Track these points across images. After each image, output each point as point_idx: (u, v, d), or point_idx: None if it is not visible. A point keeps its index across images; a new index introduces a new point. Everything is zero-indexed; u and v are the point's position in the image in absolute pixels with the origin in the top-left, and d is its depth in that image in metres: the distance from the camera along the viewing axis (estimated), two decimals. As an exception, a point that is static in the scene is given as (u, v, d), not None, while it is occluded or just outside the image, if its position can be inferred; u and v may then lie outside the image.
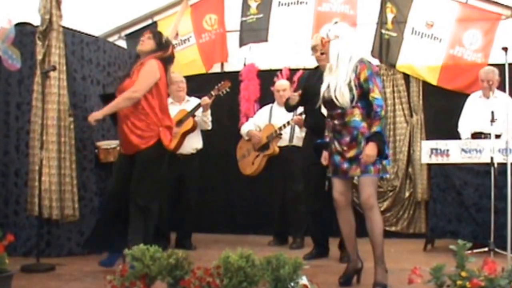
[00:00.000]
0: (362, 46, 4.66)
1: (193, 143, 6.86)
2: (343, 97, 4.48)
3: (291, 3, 8.28)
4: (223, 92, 6.80)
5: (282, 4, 8.33)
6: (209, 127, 6.96)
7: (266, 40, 8.29)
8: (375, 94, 4.45)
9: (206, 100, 6.69)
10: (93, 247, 5.74)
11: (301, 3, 8.26)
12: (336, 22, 4.67)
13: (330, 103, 4.60)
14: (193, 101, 6.85)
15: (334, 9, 8.11)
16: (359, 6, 8.04)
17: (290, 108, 6.19)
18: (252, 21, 8.39)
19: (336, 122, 4.60)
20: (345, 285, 4.67)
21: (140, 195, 5.14)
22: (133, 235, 5.01)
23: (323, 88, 4.69)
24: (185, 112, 6.70)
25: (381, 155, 4.46)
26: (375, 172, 4.51)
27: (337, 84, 4.50)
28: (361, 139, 4.49)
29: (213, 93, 6.73)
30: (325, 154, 4.78)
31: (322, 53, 4.61)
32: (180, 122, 6.66)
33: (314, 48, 5.67)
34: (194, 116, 6.74)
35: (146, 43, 5.28)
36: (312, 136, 5.86)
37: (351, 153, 4.53)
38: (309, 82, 5.92)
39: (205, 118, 6.84)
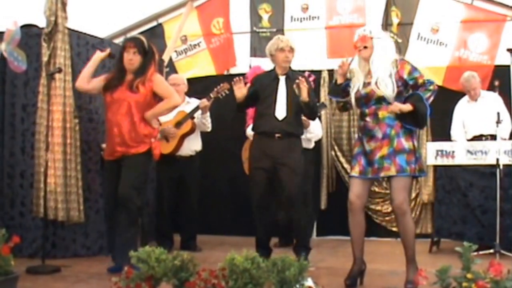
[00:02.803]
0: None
1: (193, 145, 6.87)
2: (387, 88, 4.59)
3: (304, 18, 8.33)
4: (222, 95, 6.79)
5: (294, 19, 8.37)
6: (209, 129, 6.96)
7: None
8: (425, 77, 4.62)
9: (204, 102, 6.68)
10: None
11: (313, 18, 8.30)
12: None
13: (365, 98, 4.66)
14: (193, 102, 6.85)
15: (343, 21, 8.18)
16: (367, 13, 8.07)
17: (240, 107, 6.02)
18: (266, 35, 8.42)
19: (368, 119, 4.65)
20: (351, 287, 4.67)
21: (133, 197, 5.24)
22: (130, 245, 4.96)
23: (355, 86, 4.76)
24: (184, 113, 6.68)
25: (419, 115, 4.51)
26: (411, 171, 4.54)
27: (379, 77, 4.61)
28: (394, 136, 4.55)
29: (212, 95, 6.73)
30: None
31: (365, 47, 4.70)
32: (179, 124, 6.65)
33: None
34: (193, 118, 6.74)
35: (135, 60, 5.31)
36: (260, 140, 5.82)
37: (383, 151, 4.56)
38: (262, 84, 5.87)
39: (204, 120, 6.84)
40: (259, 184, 5.78)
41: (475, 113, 6.94)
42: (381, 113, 4.60)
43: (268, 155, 5.69)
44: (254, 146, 5.95)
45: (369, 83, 4.66)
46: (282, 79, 5.79)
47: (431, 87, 4.55)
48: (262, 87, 5.83)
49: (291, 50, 5.78)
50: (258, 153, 5.79)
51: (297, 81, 5.49)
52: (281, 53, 5.76)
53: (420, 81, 4.58)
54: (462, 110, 7.12)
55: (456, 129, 7.11)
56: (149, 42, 5.45)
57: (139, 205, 5.30)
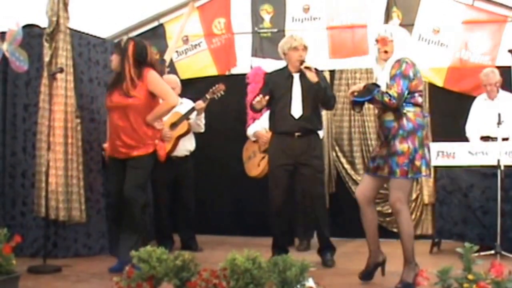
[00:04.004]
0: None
1: (187, 145, 6.86)
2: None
3: (305, 19, 8.32)
4: (217, 96, 6.80)
5: (295, 20, 8.36)
6: (202, 130, 6.95)
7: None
8: (392, 91, 4.54)
9: (200, 104, 6.67)
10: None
11: (314, 19, 8.30)
12: (393, 24, 4.88)
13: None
14: (186, 102, 6.82)
15: (344, 21, 8.15)
16: (368, 13, 8.06)
17: (256, 110, 6.06)
18: (267, 36, 8.42)
19: (377, 121, 4.83)
20: (366, 279, 4.80)
21: (137, 196, 5.23)
22: (134, 244, 5.01)
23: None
24: (179, 115, 6.65)
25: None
26: (401, 174, 4.57)
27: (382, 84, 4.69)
28: (391, 139, 4.62)
29: (208, 96, 6.72)
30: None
31: (385, 51, 4.73)
32: (174, 125, 6.64)
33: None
34: (188, 119, 6.74)
35: (114, 62, 5.35)
36: (279, 139, 5.82)
37: (381, 152, 4.69)
38: (276, 83, 5.87)
39: (199, 122, 6.83)
40: (280, 183, 5.78)
41: (487, 114, 6.81)
42: (384, 116, 4.70)
43: (289, 153, 5.72)
44: (273, 145, 5.93)
45: None
46: (296, 76, 5.79)
47: (385, 98, 4.53)
48: (276, 87, 5.84)
49: (305, 48, 5.78)
50: (278, 152, 5.79)
51: (302, 67, 5.54)
52: (295, 52, 5.76)
53: (387, 90, 4.56)
54: (478, 108, 7.04)
55: (470, 126, 7.06)
56: (128, 40, 5.47)
57: (142, 203, 5.28)
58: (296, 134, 5.71)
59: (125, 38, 5.53)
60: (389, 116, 4.65)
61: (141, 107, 5.23)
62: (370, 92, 4.60)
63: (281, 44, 5.91)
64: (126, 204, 5.25)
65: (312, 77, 5.52)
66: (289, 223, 7.04)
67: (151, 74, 5.29)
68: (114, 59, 5.35)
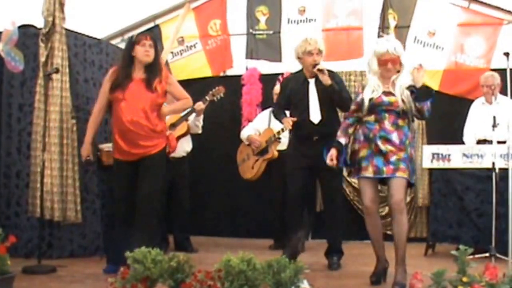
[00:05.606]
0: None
1: (184, 146, 6.88)
2: (410, 103, 4.75)
3: (300, 21, 8.32)
4: (217, 98, 6.82)
5: (291, 22, 8.37)
6: (200, 131, 6.95)
7: (280, 61, 8.28)
8: None
9: (200, 105, 6.69)
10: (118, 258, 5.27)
11: (310, 20, 8.30)
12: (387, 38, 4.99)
13: (388, 106, 4.76)
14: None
15: (340, 23, 8.17)
16: (364, 15, 8.07)
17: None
18: (262, 37, 8.43)
19: (386, 123, 4.76)
20: (376, 284, 4.80)
21: (157, 199, 5.16)
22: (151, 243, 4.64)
23: (371, 93, 4.81)
24: (178, 115, 6.68)
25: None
26: (414, 179, 4.78)
27: (404, 95, 4.75)
28: (408, 145, 4.74)
29: (207, 98, 6.75)
30: (333, 153, 4.92)
31: (398, 71, 4.82)
32: (173, 126, 6.65)
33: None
34: (186, 120, 6.75)
35: (151, 52, 5.15)
36: (297, 142, 5.80)
37: (399, 155, 4.70)
38: (292, 89, 5.83)
39: (197, 122, 6.84)
40: (297, 184, 5.74)
41: (484, 118, 6.78)
42: (401, 122, 4.76)
43: (307, 155, 5.66)
44: (292, 148, 5.91)
45: (390, 92, 4.77)
46: (311, 82, 5.73)
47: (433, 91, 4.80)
48: (293, 92, 5.80)
49: (320, 52, 5.67)
50: (296, 154, 5.76)
51: (315, 69, 5.50)
52: (309, 57, 5.66)
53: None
54: (475, 112, 7.03)
55: (468, 130, 7.03)
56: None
57: (159, 206, 5.23)
58: (315, 138, 5.64)
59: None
60: (405, 123, 4.78)
61: (158, 102, 5.16)
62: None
63: (295, 48, 5.80)
64: (142, 211, 5.07)
65: (325, 80, 5.48)
66: (283, 225, 7.06)
67: (172, 77, 5.37)
68: (151, 51, 5.13)
